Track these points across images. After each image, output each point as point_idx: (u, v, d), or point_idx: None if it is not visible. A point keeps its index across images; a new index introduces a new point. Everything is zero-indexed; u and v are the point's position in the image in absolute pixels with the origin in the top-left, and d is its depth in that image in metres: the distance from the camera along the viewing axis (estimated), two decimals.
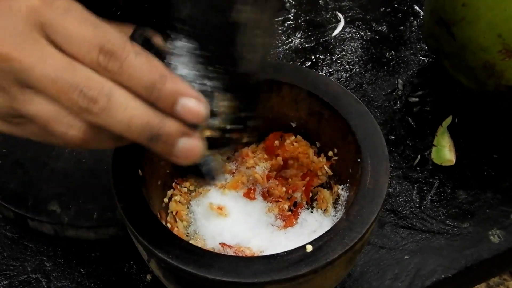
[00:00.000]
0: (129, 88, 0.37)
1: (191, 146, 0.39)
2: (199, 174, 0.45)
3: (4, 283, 0.57)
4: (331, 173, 0.57)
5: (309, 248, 0.44)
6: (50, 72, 0.35)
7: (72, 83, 0.35)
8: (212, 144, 0.41)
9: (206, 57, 0.40)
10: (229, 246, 0.53)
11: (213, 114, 0.40)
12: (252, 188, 0.57)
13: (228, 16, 0.39)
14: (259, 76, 0.43)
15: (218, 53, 0.40)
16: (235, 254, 0.52)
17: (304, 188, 0.57)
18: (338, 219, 0.51)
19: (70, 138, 0.37)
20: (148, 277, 0.58)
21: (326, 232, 0.45)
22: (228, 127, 0.42)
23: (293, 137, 0.59)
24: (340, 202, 0.55)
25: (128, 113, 0.36)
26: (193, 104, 0.38)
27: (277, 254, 0.44)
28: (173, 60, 0.40)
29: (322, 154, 0.58)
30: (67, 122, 0.36)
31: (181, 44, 0.40)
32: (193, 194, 0.58)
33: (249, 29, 0.40)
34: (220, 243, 0.53)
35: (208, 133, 0.41)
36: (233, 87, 0.41)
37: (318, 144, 0.58)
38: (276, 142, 0.58)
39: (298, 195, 0.58)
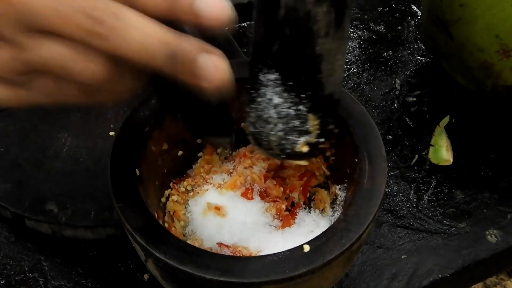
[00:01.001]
0: (141, 5, 0.35)
1: (214, 63, 0.36)
2: (217, 132, 0.47)
3: (1, 282, 0.57)
4: (329, 173, 0.57)
5: (307, 248, 0.44)
6: (52, 2, 0.33)
7: (75, 8, 0.33)
8: (307, 155, 0.47)
9: (298, 87, 0.44)
10: (227, 246, 0.53)
11: (308, 132, 0.45)
12: (250, 188, 0.57)
13: (312, 50, 0.42)
14: (339, 91, 0.47)
15: (307, 81, 0.44)
16: (232, 254, 0.52)
17: (301, 188, 0.57)
18: (335, 219, 0.51)
19: (90, 77, 0.35)
20: (146, 276, 0.58)
21: (323, 232, 0.45)
22: (321, 140, 0.47)
23: None
24: (337, 202, 0.55)
25: (140, 32, 0.34)
26: None
27: (274, 254, 0.44)
28: (268, 91, 0.45)
29: (320, 154, 0.58)
30: (82, 57, 0.34)
31: (274, 77, 0.44)
32: (191, 193, 0.58)
33: (331, 56, 0.43)
34: (217, 243, 0.53)
35: (305, 148, 0.46)
36: (322, 107, 0.45)
37: None
38: None
39: (295, 195, 0.58)
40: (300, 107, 0.44)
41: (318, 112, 0.45)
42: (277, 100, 0.44)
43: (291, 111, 0.45)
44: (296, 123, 0.45)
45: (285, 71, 0.44)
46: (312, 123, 0.45)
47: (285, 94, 0.44)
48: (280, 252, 0.44)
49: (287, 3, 0.41)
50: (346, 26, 0.44)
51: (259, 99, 0.45)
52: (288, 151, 0.46)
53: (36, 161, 0.64)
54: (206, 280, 0.42)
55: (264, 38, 0.44)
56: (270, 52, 0.44)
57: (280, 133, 0.46)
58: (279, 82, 0.44)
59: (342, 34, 0.43)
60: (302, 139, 0.46)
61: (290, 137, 0.46)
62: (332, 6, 0.41)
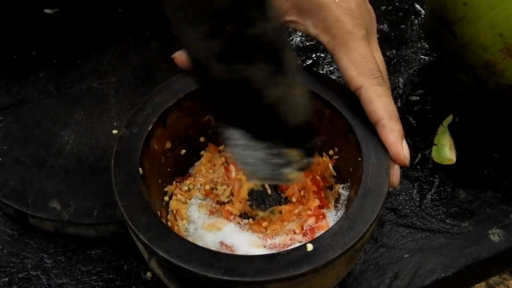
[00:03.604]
0: None
1: None
2: None
3: (4, 280, 0.57)
4: (334, 174, 0.57)
5: (310, 247, 0.44)
6: None
7: None
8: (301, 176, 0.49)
9: (261, 136, 0.46)
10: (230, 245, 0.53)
11: (291, 162, 0.47)
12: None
13: (262, 102, 0.43)
14: (309, 121, 0.48)
15: (268, 130, 0.46)
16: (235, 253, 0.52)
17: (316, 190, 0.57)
18: (338, 218, 0.51)
19: None
20: (148, 274, 0.58)
21: (326, 231, 0.45)
22: (310, 159, 0.48)
23: None
24: (340, 201, 0.55)
25: None
26: None
27: (277, 253, 0.44)
28: (239, 140, 0.47)
29: (325, 154, 0.58)
30: None
31: (239, 131, 0.46)
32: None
33: (285, 101, 0.44)
34: (220, 242, 0.53)
35: (295, 175, 0.48)
36: (293, 140, 0.47)
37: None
38: None
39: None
40: (272, 150, 0.47)
41: (291, 145, 0.47)
42: (250, 147, 0.47)
43: (265, 154, 0.47)
44: (276, 160, 0.47)
45: (245, 127, 0.46)
46: (291, 155, 0.47)
47: (253, 142, 0.46)
48: (283, 251, 0.44)
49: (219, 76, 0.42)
50: (290, 69, 0.44)
51: (235, 149, 0.47)
52: (281, 181, 0.50)
53: (39, 158, 0.64)
54: (208, 279, 0.42)
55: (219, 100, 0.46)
56: (226, 114, 0.46)
57: (267, 171, 0.48)
58: (245, 133, 0.46)
59: (293, 78, 0.44)
60: (287, 170, 0.48)
61: (277, 172, 0.48)
62: (269, 63, 0.42)
